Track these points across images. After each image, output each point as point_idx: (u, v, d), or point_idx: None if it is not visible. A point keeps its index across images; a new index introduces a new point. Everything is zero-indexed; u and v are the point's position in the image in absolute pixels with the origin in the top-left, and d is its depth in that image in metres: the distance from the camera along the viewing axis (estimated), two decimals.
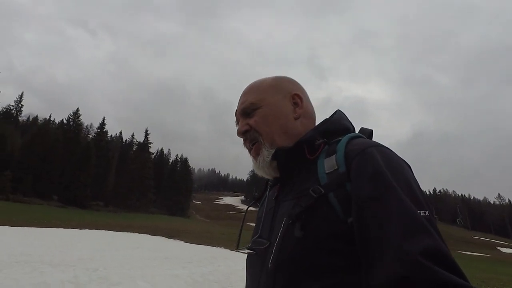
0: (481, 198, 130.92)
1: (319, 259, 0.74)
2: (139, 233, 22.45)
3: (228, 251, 14.71)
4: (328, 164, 0.82)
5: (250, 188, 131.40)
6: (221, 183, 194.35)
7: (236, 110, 1.02)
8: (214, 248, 16.41)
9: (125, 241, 14.83)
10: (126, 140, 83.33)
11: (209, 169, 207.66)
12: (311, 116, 1.00)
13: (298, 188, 0.85)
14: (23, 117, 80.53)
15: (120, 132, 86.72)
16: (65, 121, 63.62)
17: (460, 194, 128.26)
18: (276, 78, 1.02)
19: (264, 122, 0.94)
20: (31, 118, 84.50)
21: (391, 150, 0.82)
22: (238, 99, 1.02)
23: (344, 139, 0.85)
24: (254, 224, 1.00)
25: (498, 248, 63.89)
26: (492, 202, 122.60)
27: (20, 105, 74.73)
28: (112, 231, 21.59)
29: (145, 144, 66.26)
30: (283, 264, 0.79)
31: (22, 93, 77.01)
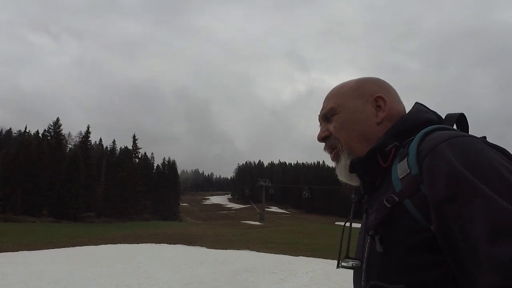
0: None
1: (407, 274, 0.67)
2: (155, 243, 22.07)
3: (279, 255, 14.65)
4: (401, 168, 0.75)
5: (235, 185, 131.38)
6: (206, 183, 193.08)
7: (319, 115, 1.00)
8: (252, 252, 16.43)
9: (168, 256, 14.45)
10: (107, 147, 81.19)
11: (192, 170, 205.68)
12: (399, 117, 0.90)
13: (379, 198, 0.80)
14: None
15: (100, 139, 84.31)
16: (45, 132, 61.11)
17: None
18: (359, 81, 0.96)
19: (342, 128, 0.90)
20: (3, 131, 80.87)
21: (473, 138, 0.71)
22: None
23: (417, 137, 0.76)
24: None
25: None
26: None
27: None
28: (129, 244, 21.12)
29: (134, 150, 64.82)
30: (373, 282, 0.75)
31: None
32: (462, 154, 0.66)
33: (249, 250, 18.13)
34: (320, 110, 0.98)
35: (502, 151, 0.69)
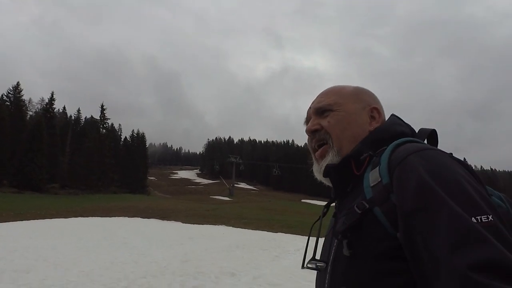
0: None
1: (372, 279, 0.71)
2: (128, 217, 21.62)
3: (259, 232, 14.81)
4: (373, 177, 0.79)
5: (205, 161, 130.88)
6: (174, 157, 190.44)
7: (310, 108, 1.02)
8: (231, 228, 16.50)
9: (150, 231, 14.13)
10: (71, 116, 77.28)
11: (160, 143, 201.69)
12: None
13: (349, 204, 0.84)
14: None
15: (64, 107, 79.90)
16: (4, 97, 56.90)
17: None
18: (358, 88, 1.02)
19: (337, 125, 0.93)
20: None
21: (438, 152, 0.76)
22: (314, 99, 1.03)
23: (389, 147, 0.81)
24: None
25: None
26: None
27: None
28: (101, 217, 20.54)
29: (102, 120, 62.17)
30: (337, 285, 0.78)
31: None
32: (430, 166, 0.70)
33: (225, 225, 18.27)
34: (314, 103, 1.00)
35: (465, 165, 0.73)
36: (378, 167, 0.78)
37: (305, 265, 0.92)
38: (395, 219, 0.70)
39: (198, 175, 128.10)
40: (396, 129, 0.91)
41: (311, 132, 0.97)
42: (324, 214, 1.02)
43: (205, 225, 17.84)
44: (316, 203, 59.26)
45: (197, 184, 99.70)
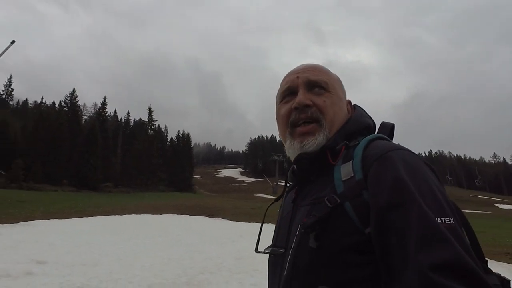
0: (477, 158, 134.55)
1: (336, 271, 0.71)
2: (177, 214, 22.34)
3: None
4: (345, 171, 0.79)
5: (248, 159, 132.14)
6: (218, 157, 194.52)
7: (297, 77, 0.93)
8: None
9: (200, 229, 14.48)
10: (121, 119, 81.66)
11: (204, 143, 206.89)
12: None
13: (315, 193, 0.83)
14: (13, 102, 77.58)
15: (115, 111, 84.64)
16: (62, 104, 61.38)
17: (455, 155, 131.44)
18: (338, 77, 1.00)
19: (332, 108, 0.90)
20: (20, 102, 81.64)
21: (413, 154, 0.77)
22: (298, 68, 0.96)
23: (362, 142, 0.81)
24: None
25: (496, 205, 66.50)
26: (487, 161, 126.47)
27: (10, 90, 71.78)
28: (153, 215, 21.41)
29: (150, 122, 65.12)
30: (298, 274, 0.77)
31: (11, 77, 73.96)
32: (407, 166, 0.72)
33: (272, 223, 18.17)
34: (304, 73, 0.93)
35: (433, 169, 0.77)
36: (351, 161, 0.79)
37: (260, 250, 0.94)
38: (365, 215, 0.71)
39: (242, 173, 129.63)
40: (364, 121, 0.92)
41: (304, 106, 0.88)
42: (277, 199, 1.04)
43: (252, 223, 17.93)
44: None
45: (241, 182, 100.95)
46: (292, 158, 0.91)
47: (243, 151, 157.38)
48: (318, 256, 0.74)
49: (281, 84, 0.99)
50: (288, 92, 0.94)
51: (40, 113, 53.87)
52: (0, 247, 8.21)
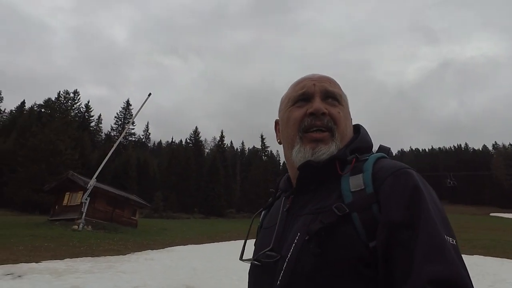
0: None
1: (336, 280, 0.71)
2: None
3: None
4: (354, 182, 0.78)
5: None
6: None
7: (315, 85, 0.93)
8: None
9: None
10: (237, 148, 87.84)
11: None
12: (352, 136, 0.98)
13: (317, 203, 0.81)
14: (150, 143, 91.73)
15: (231, 142, 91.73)
16: (188, 140, 69.58)
17: None
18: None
19: (345, 120, 0.92)
20: (155, 143, 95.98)
21: (419, 174, 0.79)
22: (314, 76, 0.96)
23: (372, 158, 0.83)
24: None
25: None
26: None
27: (147, 134, 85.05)
28: None
29: (263, 149, 68.59)
30: (297, 281, 0.74)
31: (148, 123, 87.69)
32: (423, 184, 0.76)
33: None
34: (321, 82, 0.94)
35: (434, 192, 0.80)
36: (361, 174, 0.79)
37: (242, 258, 0.95)
38: (371, 230, 0.72)
39: None
40: (369, 140, 0.95)
41: (321, 114, 0.88)
42: (266, 207, 1.04)
43: None
44: (510, 216, 48.25)
45: None
46: (298, 164, 0.88)
47: None
48: (320, 264, 0.73)
49: (293, 87, 0.98)
50: (302, 97, 0.93)
51: (171, 151, 62.40)
52: (155, 271, 9.43)
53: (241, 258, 0.98)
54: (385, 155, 0.88)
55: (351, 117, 0.99)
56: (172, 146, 74.37)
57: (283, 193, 0.97)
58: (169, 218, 43.70)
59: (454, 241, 0.69)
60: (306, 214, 0.82)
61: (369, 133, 0.99)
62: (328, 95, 0.92)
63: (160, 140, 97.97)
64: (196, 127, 69.66)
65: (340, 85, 0.99)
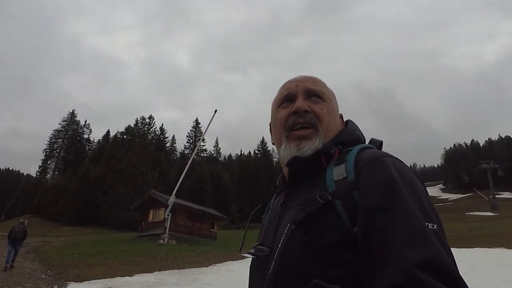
0: None
1: (323, 266, 0.73)
2: None
3: None
4: (337, 172, 0.82)
5: (447, 173, 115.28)
6: None
7: (297, 85, 0.99)
8: None
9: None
10: None
11: None
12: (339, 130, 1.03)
13: (304, 195, 0.86)
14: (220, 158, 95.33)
15: None
16: (256, 151, 70.89)
17: None
18: (333, 92, 1.06)
19: (328, 116, 0.95)
20: (226, 157, 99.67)
21: (403, 163, 0.82)
22: (297, 78, 1.02)
23: (355, 149, 0.86)
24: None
25: None
26: None
27: (218, 149, 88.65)
28: None
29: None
30: (285, 270, 0.78)
31: (217, 139, 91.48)
32: (399, 171, 0.77)
33: (505, 247, 14.72)
34: (303, 82, 1.00)
35: (420, 178, 0.82)
36: (344, 164, 0.82)
37: (244, 251, 0.97)
38: (354, 214, 0.74)
39: (443, 190, 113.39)
40: (357, 134, 0.98)
41: (303, 111, 0.93)
42: (265, 204, 1.09)
43: (475, 248, 14.96)
44: None
45: (445, 200, 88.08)
46: (285, 161, 0.92)
47: (438, 164, 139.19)
48: (307, 251, 0.75)
49: (279, 90, 1.04)
50: (287, 98, 0.99)
51: (242, 163, 64.10)
52: (237, 282, 9.59)
53: (239, 252, 1.06)
54: (371, 146, 0.91)
55: (340, 113, 1.04)
56: (241, 158, 76.53)
57: (282, 190, 1.01)
58: (240, 228, 44.64)
59: (435, 225, 0.69)
60: (295, 206, 0.86)
61: (358, 127, 1.02)
62: (311, 93, 0.97)
63: (230, 154, 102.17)
64: (263, 137, 70.61)
65: (325, 83, 1.04)
